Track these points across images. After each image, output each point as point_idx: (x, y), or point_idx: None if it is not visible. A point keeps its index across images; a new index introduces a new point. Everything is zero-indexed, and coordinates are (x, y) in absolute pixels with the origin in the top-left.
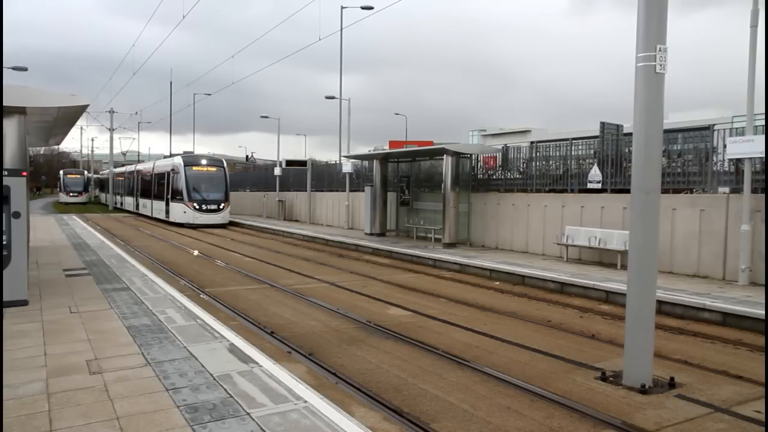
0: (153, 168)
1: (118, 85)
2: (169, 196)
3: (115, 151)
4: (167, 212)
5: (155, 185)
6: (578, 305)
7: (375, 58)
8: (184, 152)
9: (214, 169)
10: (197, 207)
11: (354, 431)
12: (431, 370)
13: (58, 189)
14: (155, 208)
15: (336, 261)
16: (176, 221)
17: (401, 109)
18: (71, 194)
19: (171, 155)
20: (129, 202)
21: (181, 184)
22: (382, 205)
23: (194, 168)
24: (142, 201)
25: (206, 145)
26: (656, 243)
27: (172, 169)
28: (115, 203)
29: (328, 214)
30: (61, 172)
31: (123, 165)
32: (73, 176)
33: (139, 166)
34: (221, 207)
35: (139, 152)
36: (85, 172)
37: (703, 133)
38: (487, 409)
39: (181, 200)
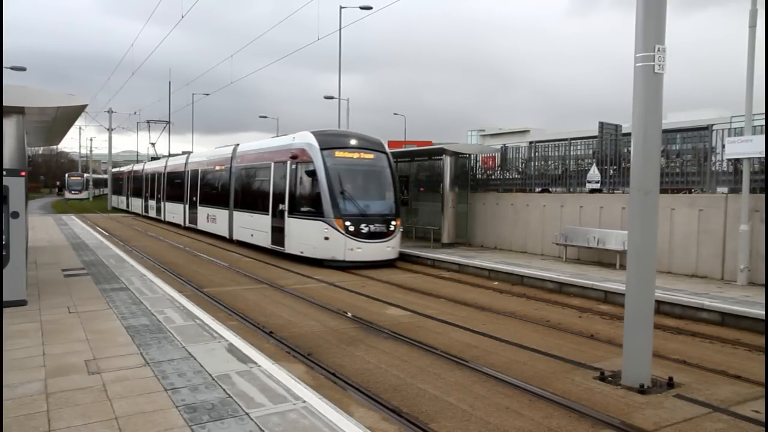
0: (225, 159)
1: (117, 84)
2: (285, 207)
3: (139, 149)
4: (278, 234)
5: (238, 187)
6: (577, 305)
7: (374, 58)
8: (235, 144)
9: (371, 155)
10: (352, 229)
11: (353, 431)
12: (430, 370)
13: (64, 188)
14: (244, 224)
15: None
16: (305, 254)
17: (400, 109)
18: (73, 192)
19: (183, 152)
20: (152, 206)
21: (319, 185)
22: None
23: (339, 154)
24: (192, 211)
25: (206, 146)
26: (655, 243)
27: (293, 156)
28: (128, 206)
29: None
30: (66, 174)
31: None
32: (75, 177)
33: (173, 161)
34: (392, 228)
35: (137, 152)
36: (85, 174)
37: (701, 133)
38: (486, 409)
39: (319, 216)
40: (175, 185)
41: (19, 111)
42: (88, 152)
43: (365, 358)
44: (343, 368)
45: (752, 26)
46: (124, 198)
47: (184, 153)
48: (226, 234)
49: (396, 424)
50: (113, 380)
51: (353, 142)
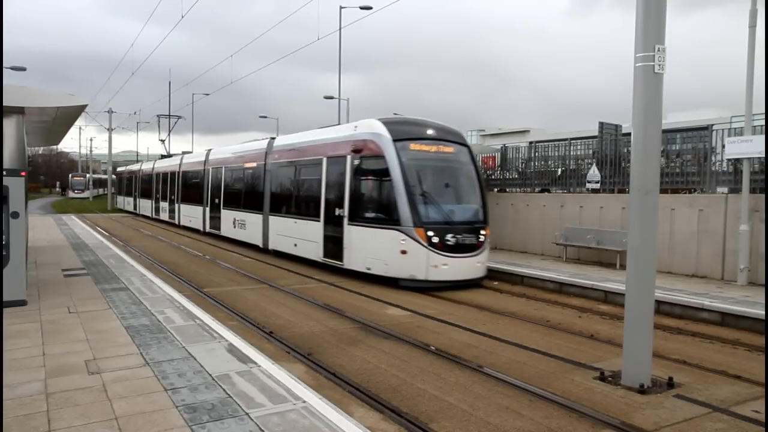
0: (257, 155)
1: (117, 84)
2: (344, 213)
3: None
4: (334, 246)
5: (275, 188)
6: (577, 305)
7: (374, 58)
8: (270, 137)
9: (450, 148)
10: (436, 241)
11: (353, 431)
12: (430, 370)
13: (68, 187)
14: (285, 230)
15: None
16: (373, 271)
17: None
18: (76, 191)
19: (183, 151)
20: (163, 208)
21: (393, 185)
22: None
23: (414, 146)
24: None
25: (205, 146)
26: (655, 243)
27: (356, 149)
28: (135, 207)
29: None
30: (70, 175)
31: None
32: (78, 177)
33: (191, 158)
34: (481, 239)
35: (137, 152)
36: (87, 174)
37: (701, 134)
38: (486, 409)
39: (394, 223)
40: (192, 185)
41: (19, 111)
42: (88, 152)
43: (365, 358)
44: (343, 368)
45: (752, 26)
46: (131, 199)
47: (180, 153)
48: (258, 242)
49: (396, 424)
50: (113, 380)
51: (430, 131)
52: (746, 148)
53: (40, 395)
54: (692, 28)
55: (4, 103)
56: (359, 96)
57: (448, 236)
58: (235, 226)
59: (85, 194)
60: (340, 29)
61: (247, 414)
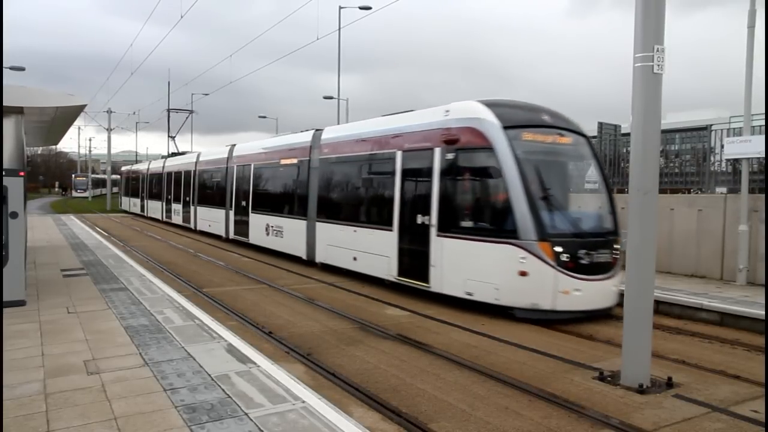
0: (300, 151)
1: (116, 84)
2: (431, 221)
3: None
4: (415, 262)
5: (322, 189)
6: None
7: (373, 58)
8: (315, 129)
9: (568, 139)
10: (566, 258)
11: (352, 431)
12: (429, 370)
13: (70, 187)
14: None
15: None
16: (476, 297)
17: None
18: (79, 190)
19: (186, 152)
20: (176, 211)
21: (508, 185)
22: None
23: (528, 136)
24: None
25: (205, 146)
26: (654, 243)
27: (449, 140)
28: (143, 209)
29: None
30: (73, 175)
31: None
32: (81, 178)
33: (209, 156)
34: (616, 255)
35: (136, 152)
36: (89, 175)
37: (700, 134)
38: (486, 409)
39: (507, 235)
40: (212, 186)
41: (18, 111)
42: (87, 152)
43: (365, 358)
44: (342, 368)
45: (751, 26)
46: (137, 200)
47: (190, 152)
48: (299, 253)
49: (395, 424)
50: (112, 380)
51: (546, 117)
52: (745, 148)
53: (39, 395)
54: (692, 28)
55: (4, 103)
56: (359, 96)
57: (581, 252)
58: (268, 234)
59: (87, 194)
60: (339, 29)
61: (246, 414)
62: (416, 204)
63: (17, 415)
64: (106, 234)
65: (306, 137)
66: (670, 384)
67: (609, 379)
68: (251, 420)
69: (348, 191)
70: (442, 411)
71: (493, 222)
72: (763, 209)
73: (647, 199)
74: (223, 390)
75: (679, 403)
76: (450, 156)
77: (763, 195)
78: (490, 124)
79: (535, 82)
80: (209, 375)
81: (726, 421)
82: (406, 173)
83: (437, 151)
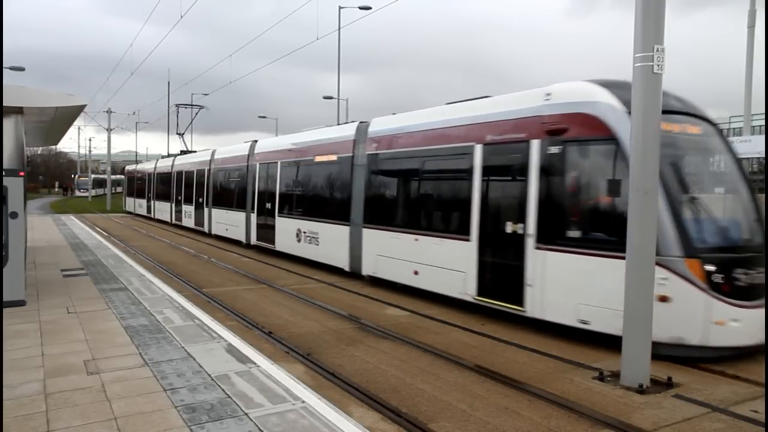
0: (339, 146)
1: (116, 84)
2: (527, 230)
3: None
4: (502, 279)
5: (368, 190)
6: None
7: (373, 58)
8: (360, 122)
9: (698, 129)
10: (721, 280)
11: (352, 431)
12: (429, 370)
13: (73, 187)
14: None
15: None
16: (594, 327)
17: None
18: (82, 190)
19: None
20: (187, 213)
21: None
22: None
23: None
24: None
25: (205, 146)
26: (654, 243)
27: (553, 130)
28: (150, 210)
29: None
30: (76, 175)
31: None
32: (83, 178)
33: (225, 153)
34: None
35: (136, 152)
36: (91, 175)
37: None
38: (485, 409)
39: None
40: (229, 186)
41: (18, 111)
42: (87, 152)
43: (364, 358)
44: (342, 368)
45: (751, 26)
46: (143, 201)
47: (204, 150)
48: (341, 264)
49: (395, 424)
50: (112, 380)
51: (674, 102)
52: (745, 148)
53: (39, 395)
54: (692, 28)
55: (3, 103)
56: (358, 96)
57: (738, 272)
58: (299, 240)
59: (88, 193)
60: (339, 29)
61: (246, 414)
62: (503, 209)
63: (17, 415)
64: (106, 234)
65: (348, 130)
66: (669, 384)
67: (609, 379)
68: (251, 420)
69: (406, 193)
70: (441, 411)
71: (617, 232)
72: (763, 209)
73: (647, 199)
74: (223, 390)
75: (678, 403)
76: (554, 149)
77: (763, 195)
78: (612, 109)
79: (535, 82)
80: (209, 375)
81: (726, 421)
82: (489, 171)
83: (535, 144)
